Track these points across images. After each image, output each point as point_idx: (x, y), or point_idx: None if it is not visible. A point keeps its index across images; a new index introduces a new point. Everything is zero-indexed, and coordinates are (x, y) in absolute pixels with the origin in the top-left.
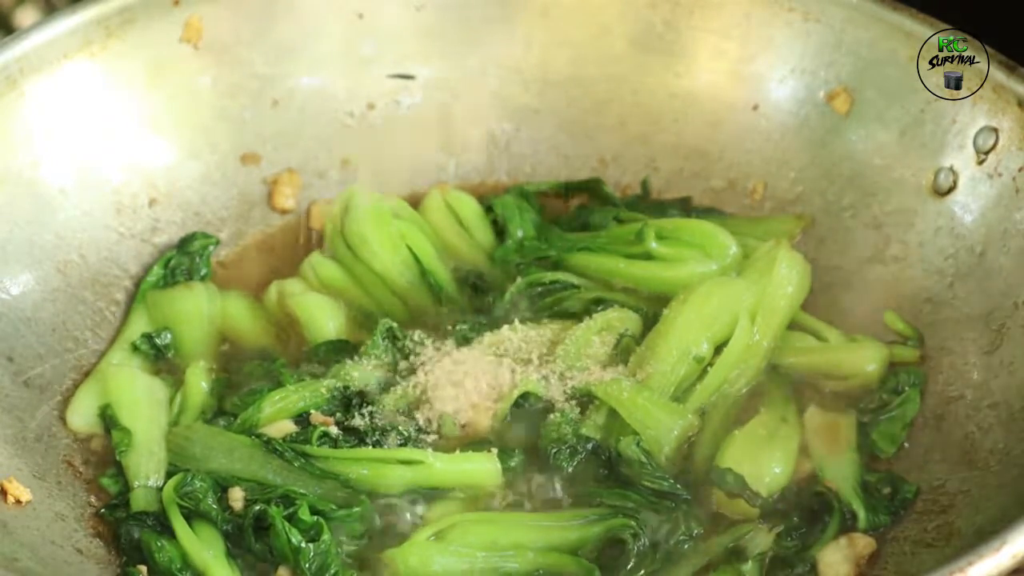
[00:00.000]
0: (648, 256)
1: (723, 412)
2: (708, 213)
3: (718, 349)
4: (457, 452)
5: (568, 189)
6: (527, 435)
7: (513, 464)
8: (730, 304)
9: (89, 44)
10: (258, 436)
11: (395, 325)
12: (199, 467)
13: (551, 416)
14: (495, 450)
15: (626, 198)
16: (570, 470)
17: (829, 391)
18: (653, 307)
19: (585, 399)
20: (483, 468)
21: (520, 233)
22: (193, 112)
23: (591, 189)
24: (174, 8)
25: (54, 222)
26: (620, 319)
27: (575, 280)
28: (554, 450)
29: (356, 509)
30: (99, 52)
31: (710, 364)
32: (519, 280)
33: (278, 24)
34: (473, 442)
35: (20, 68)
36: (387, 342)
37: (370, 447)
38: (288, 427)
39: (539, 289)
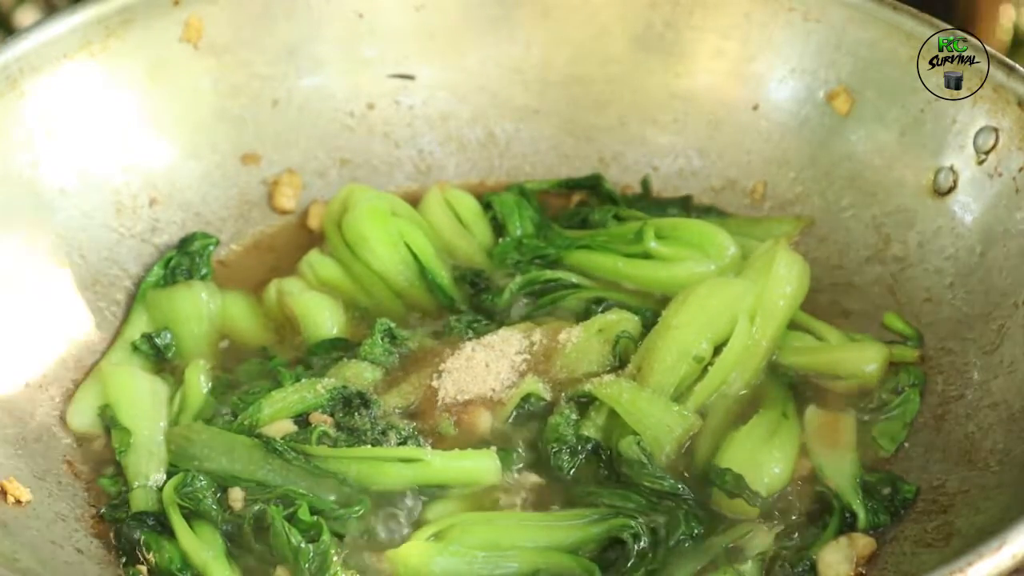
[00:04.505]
0: (647, 255)
1: (723, 412)
2: (708, 212)
3: (717, 349)
4: (456, 451)
5: (568, 186)
6: (527, 436)
7: (514, 464)
8: (729, 304)
9: (89, 44)
10: (258, 436)
11: (393, 325)
12: (199, 467)
13: (551, 417)
14: (494, 448)
15: (626, 197)
16: (571, 470)
17: (829, 391)
18: (653, 306)
19: (585, 400)
20: (482, 466)
21: (519, 231)
22: (193, 112)
23: (591, 186)
24: (174, 8)
25: (54, 222)
26: (618, 321)
27: (574, 279)
28: (555, 450)
29: (356, 508)
30: (99, 52)
31: (709, 364)
32: (517, 278)
33: (278, 24)
34: (473, 442)
35: (20, 68)
36: (386, 342)
37: (369, 446)
38: (288, 427)
39: (538, 287)
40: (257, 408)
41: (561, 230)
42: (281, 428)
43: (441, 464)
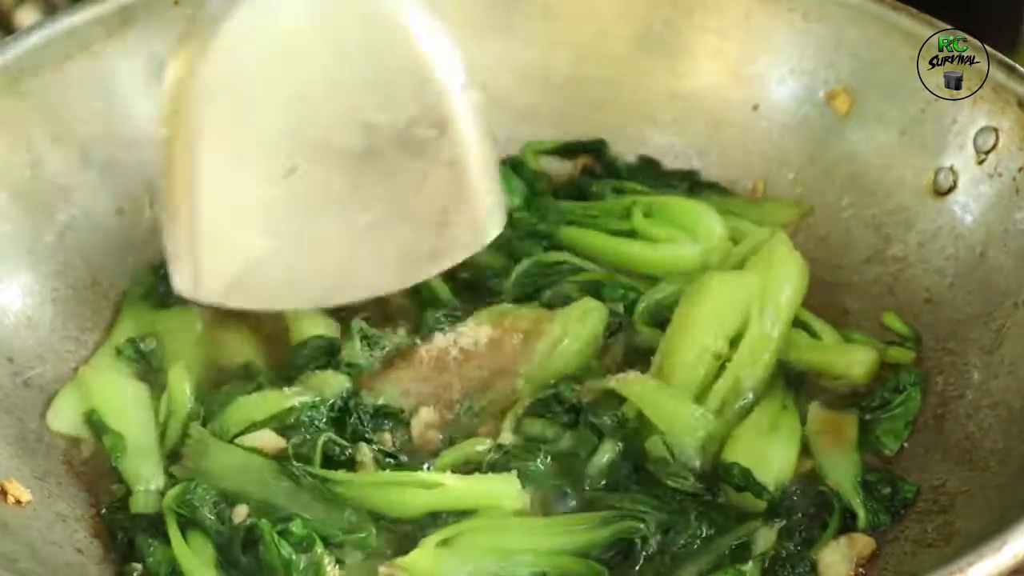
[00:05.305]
0: (633, 233)
1: (736, 408)
2: (711, 189)
3: (731, 345)
4: (476, 475)
5: (570, 150)
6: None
7: (531, 471)
8: (742, 299)
9: (89, 44)
10: (275, 458)
11: (364, 325)
12: (210, 483)
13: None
14: (515, 471)
15: (630, 166)
16: (591, 472)
17: (829, 389)
18: (646, 287)
19: (608, 398)
20: (503, 490)
21: (509, 204)
22: None
23: (595, 151)
24: (174, 8)
25: (54, 222)
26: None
27: (577, 262)
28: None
29: (362, 535)
30: (99, 52)
31: (727, 360)
32: (524, 263)
33: None
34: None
35: (20, 68)
36: (365, 349)
37: (384, 470)
38: (277, 440)
39: (536, 272)
40: (242, 416)
41: (554, 201)
42: (268, 440)
43: (461, 490)
